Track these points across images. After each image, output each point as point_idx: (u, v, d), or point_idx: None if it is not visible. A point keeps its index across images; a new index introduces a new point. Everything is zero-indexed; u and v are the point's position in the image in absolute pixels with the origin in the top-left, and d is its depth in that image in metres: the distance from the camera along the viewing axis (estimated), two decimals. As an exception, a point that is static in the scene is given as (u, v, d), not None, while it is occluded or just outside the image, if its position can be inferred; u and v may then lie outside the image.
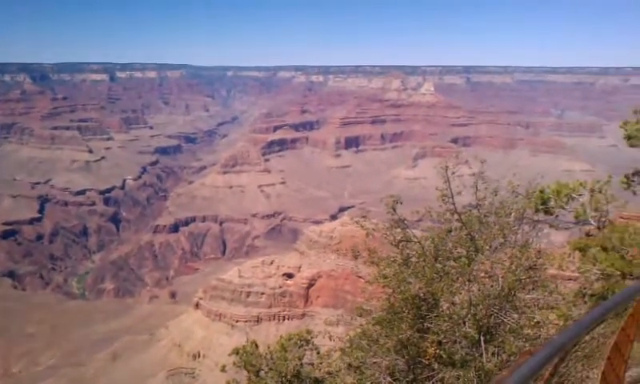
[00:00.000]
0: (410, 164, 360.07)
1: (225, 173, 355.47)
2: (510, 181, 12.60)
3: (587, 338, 9.61)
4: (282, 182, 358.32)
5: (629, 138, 16.70)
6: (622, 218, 22.82)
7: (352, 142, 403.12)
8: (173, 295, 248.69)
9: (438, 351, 10.42)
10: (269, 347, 17.50)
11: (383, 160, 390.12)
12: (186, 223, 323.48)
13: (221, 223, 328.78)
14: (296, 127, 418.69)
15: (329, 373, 14.12)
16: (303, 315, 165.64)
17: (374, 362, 11.56)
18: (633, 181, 16.94)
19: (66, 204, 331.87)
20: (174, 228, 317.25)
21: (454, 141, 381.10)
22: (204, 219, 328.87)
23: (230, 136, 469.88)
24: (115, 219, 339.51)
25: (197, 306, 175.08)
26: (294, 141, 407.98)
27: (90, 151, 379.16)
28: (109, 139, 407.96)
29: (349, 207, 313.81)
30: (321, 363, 14.82)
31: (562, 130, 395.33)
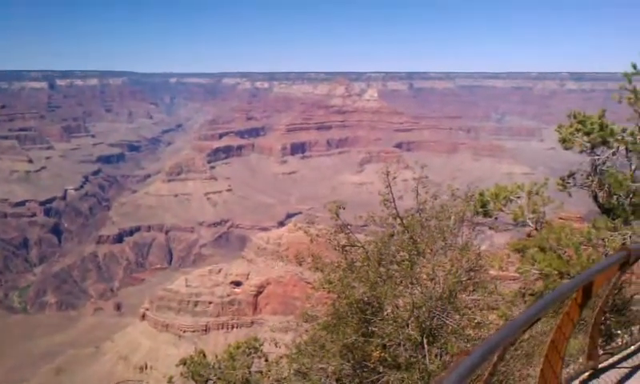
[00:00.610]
0: (355, 169, 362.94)
1: (170, 181, 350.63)
2: (450, 184, 12.89)
3: (526, 336, 9.93)
4: (229, 190, 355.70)
5: (563, 141, 17.24)
6: (560, 218, 23.56)
7: (298, 148, 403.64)
8: (118, 307, 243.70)
9: (382, 354, 10.55)
10: (217, 357, 17.39)
11: (329, 166, 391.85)
12: (131, 233, 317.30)
13: (166, 232, 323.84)
14: (242, 134, 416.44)
15: (277, 380, 14.13)
16: (252, 323, 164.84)
17: (321, 368, 11.62)
18: (568, 183, 17.47)
19: (5, 216, 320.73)
20: (118, 238, 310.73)
21: (399, 146, 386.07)
22: (149, 229, 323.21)
23: (175, 144, 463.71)
24: (57, 230, 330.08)
25: (143, 317, 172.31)
26: (239, 148, 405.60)
27: (30, 161, 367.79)
28: (49, 148, 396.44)
29: (296, 213, 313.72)
30: (269, 370, 14.82)
31: (502, 134, 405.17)
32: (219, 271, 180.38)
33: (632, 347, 8.95)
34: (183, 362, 17.56)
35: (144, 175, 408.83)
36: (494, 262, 14.16)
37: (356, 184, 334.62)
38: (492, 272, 17.33)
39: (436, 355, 10.35)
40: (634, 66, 17.35)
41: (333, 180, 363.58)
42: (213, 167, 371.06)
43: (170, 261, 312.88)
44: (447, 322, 10.35)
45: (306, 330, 12.36)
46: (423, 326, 10.34)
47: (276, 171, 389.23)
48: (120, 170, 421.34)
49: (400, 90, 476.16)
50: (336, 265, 11.77)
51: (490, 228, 15.88)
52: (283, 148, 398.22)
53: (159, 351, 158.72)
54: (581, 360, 8.48)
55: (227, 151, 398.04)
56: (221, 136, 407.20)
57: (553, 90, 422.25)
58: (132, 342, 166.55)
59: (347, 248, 12.15)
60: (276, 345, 13.89)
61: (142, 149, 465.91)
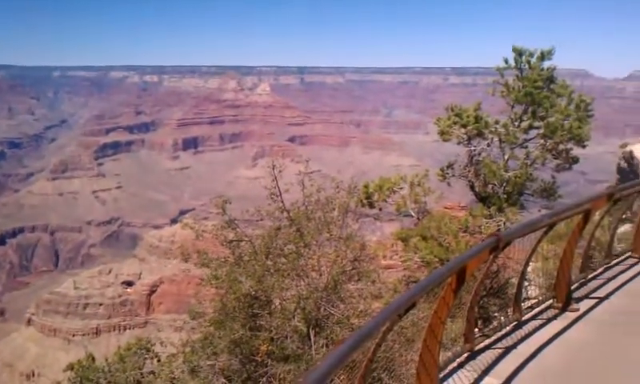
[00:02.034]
0: (249, 164, 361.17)
1: (55, 179, 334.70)
2: (334, 177, 13.09)
3: (408, 322, 10.23)
4: (118, 187, 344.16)
5: (442, 133, 17.99)
6: (446, 207, 24.52)
7: (190, 143, 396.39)
8: (2, 313, 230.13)
9: (270, 348, 10.57)
10: (106, 359, 16.84)
11: (223, 160, 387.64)
12: (14, 234, 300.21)
13: (52, 233, 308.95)
14: (131, 129, 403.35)
15: (169, 380, 13.86)
16: (146, 323, 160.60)
17: (209, 365, 11.50)
18: (447, 173, 18.25)
19: None
20: (0, 240, 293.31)
21: (292, 140, 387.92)
22: (33, 229, 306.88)
23: (60, 140, 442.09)
24: None
25: (29, 322, 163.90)
26: (129, 143, 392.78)
27: None
28: None
29: (190, 210, 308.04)
30: (162, 370, 14.51)
31: (390, 128, 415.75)
32: (109, 271, 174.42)
33: (506, 328, 9.40)
34: (71, 367, 16.90)
35: (26, 173, 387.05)
36: (379, 251, 14.57)
37: (250, 178, 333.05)
38: (383, 262, 17.82)
39: (322, 345, 10.48)
40: (506, 61, 18.37)
41: (227, 175, 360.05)
42: (101, 164, 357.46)
43: (57, 263, 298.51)
44: (332, 312, 10.52)
45: (193, 328, 12.19)
46: (309, 317, 10.45)
47: (168, 167, 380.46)
48: (0, 168, 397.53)
49: (292, 84, 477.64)
50: (223, 260, 11.67)
51: (375, 218, 16.32)
52: (175, 143, 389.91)
53: (47, 357, 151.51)
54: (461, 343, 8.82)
55: (116, 147, 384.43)
56: (108, 131, 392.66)
57: (437, 84, 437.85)
58: (17, 349, 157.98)
59: (235, 243, 12.08)
60: (161, 344, 13.64)
61: (23, 146, 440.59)
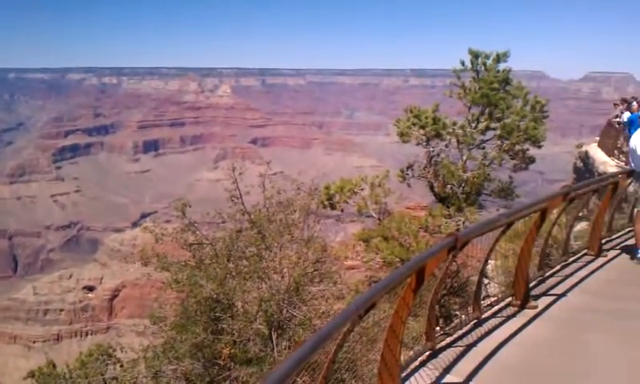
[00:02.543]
0: (211, 166, 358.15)
1: (12, 183, 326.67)
2: (295, 179, 13.12)
3: (370, 323, 10.28)
4: (78, 191, 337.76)
5: (401, 134, 18.19)
6: (407, 208, 24.74)
7: (151, 146, 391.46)
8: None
9: (232, 351, 10.52)
10: (68, 366, 16.57)
11: (184, 163, 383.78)
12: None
13: (10, 238, 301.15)
14: (90, 132, 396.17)
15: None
16: (108, 328, 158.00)
17: (172, 369, 11.40)
18: (407, 174, 18.44)
19: None
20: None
21: (254, 141, 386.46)
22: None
23: (16, 143, 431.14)
24: None
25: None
26: (88, 146, 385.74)
27: None
28: None
29: (151, 213, 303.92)
30: (124, 376, 14.33)
31: (351, 129, 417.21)
32: (70, 277, 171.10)
33: (467, 327, 9.50)
34: (31, 375, 16.59)
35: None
36: (341, 252, 14.64)
37: (212, 181, 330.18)
38: (347, 262, 17.87)
39: (285, 348, 10.47)
40: (462, 63, 18.67)
41: (188, 177, 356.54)
42: (59, 167, 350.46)
43: (16, 268, 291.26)
44: (294, 313, 10.51)
45: (154, 333, 12.06)
46: (271, 319, 10.43)
47: (128, 170, 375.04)
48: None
49: (253, 85, 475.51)
50: (183, 263, 11.58)
51: (337, 220, 16.41)
52: (135, 146, 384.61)
53: (7, 365, 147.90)
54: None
55: (74, 150, 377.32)
56: (67, 134, 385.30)
57: (397, 85, 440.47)
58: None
59: (195, 246, 12.01)
60: (122, 349, 13.46)
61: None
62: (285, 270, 10.87)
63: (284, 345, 10.56)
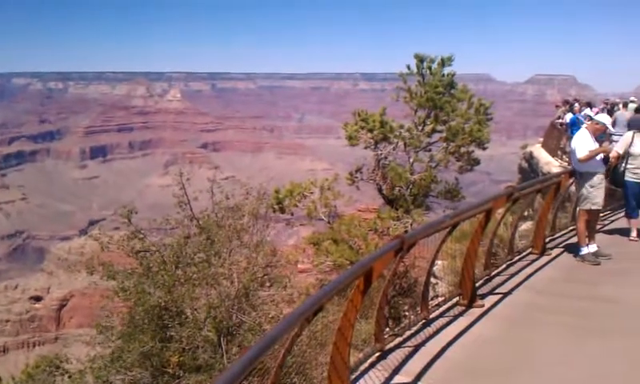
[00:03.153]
0: (161, 171, 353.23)
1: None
2: (244, 183, 13.07)
3: (320, 327, 10.29)
4: (23, 198, 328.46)
5: (350, 138, 18.34)
6: (359, 210, 24.89)
7: (99, 152, 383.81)
8: None
9: (181, 359, 10.40)
10: (13, 379, 16.19)
11: (134, 169, 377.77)
12: None
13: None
14: (35, 138, 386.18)
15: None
16: (56, 339, 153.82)
17: (120, 379, 11.20)
18: (356, 177, 18.60)
19: None
20: None
21: (204, 146, 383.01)
22: None
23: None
24: None
25: None
26: (33, 153, 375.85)
27: None
28: None
29: (100, 220, 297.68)
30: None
31: (303, 133, 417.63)
32: (16, 287, 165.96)
33: (416, 327, 9.60)
34: (-24, 389, 16.14)
35: None
36: (292, 256, 14.65)
37: (162, 186, 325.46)
38: (300, 266, 17.88)
39: (235, 354, 10.40)
40: (408, 67, 18.96)
41: (138, 183, 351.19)
42: (4, 175, 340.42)
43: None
44: (244, 319, 10.45)
45: (100, 343, 11.82)
46: (220, 326, 10.35)
47: (75, 176, 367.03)
48: None
49: (203, 90, 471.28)
50: (129, 271, 11.39)
51: (287, 224, 16.43)
52: (82, 152, 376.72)
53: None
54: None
55: (19, 157, 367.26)
56: (11, 141, 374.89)
57: (347, 89, 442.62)
58: None
59: (142, 253, 11.83)
60: (67, 360, 13.16)
61: None
62: (234, 276, 10.81)
63: (234, 351, 10.49)
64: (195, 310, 10.89)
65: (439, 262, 13.94)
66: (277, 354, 6.02)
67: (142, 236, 11.74)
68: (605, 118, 13.61)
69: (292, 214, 17.62)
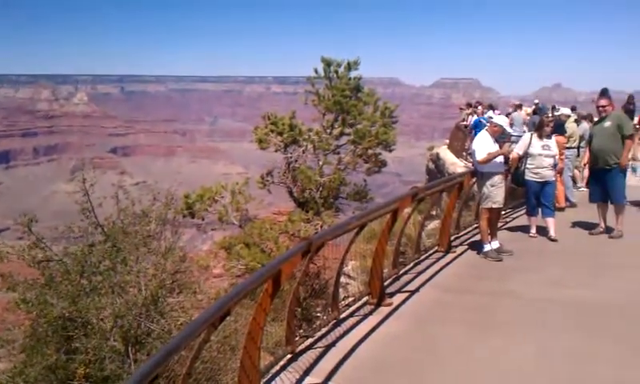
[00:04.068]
0: (68, 177, 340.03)
1: None
2: (152, 189, 12.80)
3: (229, 331, 10.23)
4: None
5: (259, 141, 18.35)
6: (274, 213, 24.86)
7: (1, 158, 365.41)
8: None
9: (87, 370, 10.06)
10: None
11: (39, 175, 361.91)
12: None
13: None
14: None
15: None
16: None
17: (22, 394, 10.71)
18: (267, 180, 18.62)
19: None
20: None
21: (114, 151, 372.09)
22: None
23: None
24: None
25: None
26: None
27: None
28: None
29: (3, 230, 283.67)
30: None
31: (216, 136, 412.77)
32: None
33: (326, 327, 9.68)
34: None
35: None
36: (203, 261, 14.49)
37: (69, 193, 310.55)
38: (216, 271, 17.66)
39: (143, 362, 10.16)
40: (316, 71, 19.19)
41: (44, 190, 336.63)
42: None
43: None
44: (152, 327, 10.23)
45: (0, 357, 11.28)
46: (128, 335, 10.08)
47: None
48: None
49: (111, 93, 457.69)
50: (31, 282, 10.91)
51: (198, 229, 16.25)
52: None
53: None
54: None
55: None
56: None
57: (260, 92, 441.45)
58: None
59: (44, 263, 11.35)
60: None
61: None
62: (142, 283, 10.56)
63: (142, 360, 10.25)
64: (102, 319, 10.56)
65: (352, 262, 14.16)
66: (185, 361, 5.95)
67: (43, 245, 11.27)
68: (501, 120, 14.21)
69: (203, 219, 17.45)
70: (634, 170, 17.55)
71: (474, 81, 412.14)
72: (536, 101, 31.82)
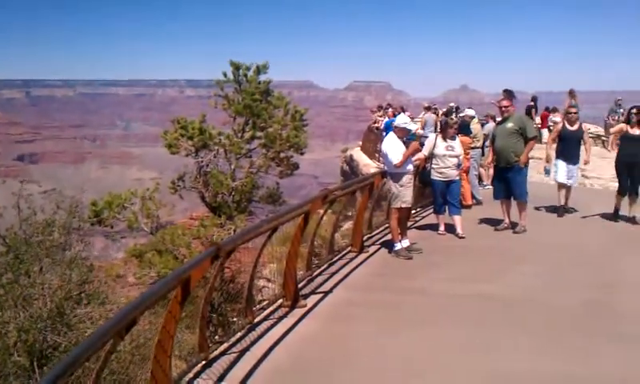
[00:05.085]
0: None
1: None
2: (56, 197, 12.37)
3: (142, 341, 10.00)
4: None
5: (169, 146, 18.07)
6: (191, 218, 24.45)
7: None
8: None
9: (-8, 389, 9.61)
10: None
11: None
12: None
13: None
14: None
15: None
16: None
17: None
18: (179, 186, 18.34)
19: None
20: None
21: (20, 158, 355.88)
22: None
23: None
24: None
25: None
26: None
27: None
28: None
29: None
30: None
31: (129, 141, 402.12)
32: None
33: (241, 332, 9.62)
34: None
35: None
36: (112, 270, 14.10)
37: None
38: (131, 279, 17.18)
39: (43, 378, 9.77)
40: (225, 75, 19.10)
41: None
42: None
43: None
44: (59, 340, 9.88)
45: None
46: (33, 349, 9.69)
47: None
48: None
49: (16, 98, 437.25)
50: None
51: (107, 237, 15.81)
52: None
53: None
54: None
55: None
56: None
57: (173, 96, 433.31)
58: None
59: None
60: None
61: None
62: (46, 295, 10.18)
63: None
64: (5, 334, 10.10)
65: (271, 265, 14.15)
66: (91, 373, 5.77)
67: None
68: (403, 119, 14.49)
69: (112, 227, 17.00)
70: (546, 171, 18.42)
71: (386, 84, 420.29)
72: (452, 104, 32.76)
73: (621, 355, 8.30)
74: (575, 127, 17.66)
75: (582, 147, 17.82)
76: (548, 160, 18.60)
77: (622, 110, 31.37)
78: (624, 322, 9.56)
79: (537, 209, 18.68)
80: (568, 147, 17.62)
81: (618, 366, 7.98)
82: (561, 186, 17.99)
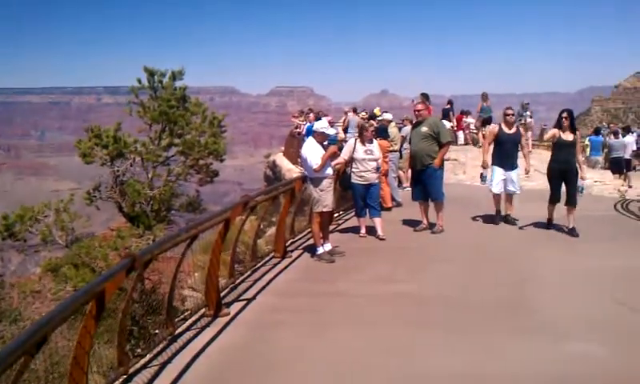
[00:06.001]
0: None
1: None
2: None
3: (57, 359, 9.65)
4: None
5: (83, 155, 17.56)
6: (112, 229, 23.78)
7: None
8: None
9: None
10: None
11: None
12: None
13: None
14: None
15: None
16: None
17: None
18: (94, 196, 17.85)
19: None
20: None
21: None
22: None
23: None
24: None
25: None
26: None
27: None
28: None
29: None
30: None
31: (44, 151, 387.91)
32: None
33: (162, 344, 9.44)
34: None
35: None
36: (26, 286, 13.55)
37: None
38: (50, 295, 16.51)
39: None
40: (139, 81, 18.75)
41: None
42: None
43: None
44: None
45: None
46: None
47: None
48: None
49: None
50: None
51: (20, 251, 15.19)
52: None
53: None
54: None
55: None
56: None
57: (90, 104, 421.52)
58: None
59: None
60: None
61: None
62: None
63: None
64: None
65: (196, 274, 13.93)
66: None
67: None
68: (321, 124, 14.57)
69: (25, 241, 16.34)
70: (483, 178, 17.81)
71: (308, 89, 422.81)
72: (377, 109, 33.16)
73: (524, 348, 8.62)
74: (513, 130, 16.55)
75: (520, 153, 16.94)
76: (485, 166, 17.22)
77: (528, 113, 32.26)
78: (535, 317, 9.95)
79: (456, 210, 19.00)
80: (505, 152, 16.62)
81: (527, 362, 8.27)
82: (496, 196, 17.14)
